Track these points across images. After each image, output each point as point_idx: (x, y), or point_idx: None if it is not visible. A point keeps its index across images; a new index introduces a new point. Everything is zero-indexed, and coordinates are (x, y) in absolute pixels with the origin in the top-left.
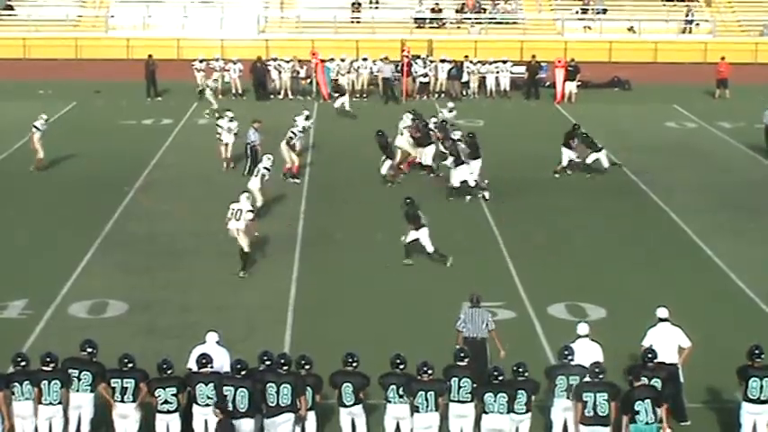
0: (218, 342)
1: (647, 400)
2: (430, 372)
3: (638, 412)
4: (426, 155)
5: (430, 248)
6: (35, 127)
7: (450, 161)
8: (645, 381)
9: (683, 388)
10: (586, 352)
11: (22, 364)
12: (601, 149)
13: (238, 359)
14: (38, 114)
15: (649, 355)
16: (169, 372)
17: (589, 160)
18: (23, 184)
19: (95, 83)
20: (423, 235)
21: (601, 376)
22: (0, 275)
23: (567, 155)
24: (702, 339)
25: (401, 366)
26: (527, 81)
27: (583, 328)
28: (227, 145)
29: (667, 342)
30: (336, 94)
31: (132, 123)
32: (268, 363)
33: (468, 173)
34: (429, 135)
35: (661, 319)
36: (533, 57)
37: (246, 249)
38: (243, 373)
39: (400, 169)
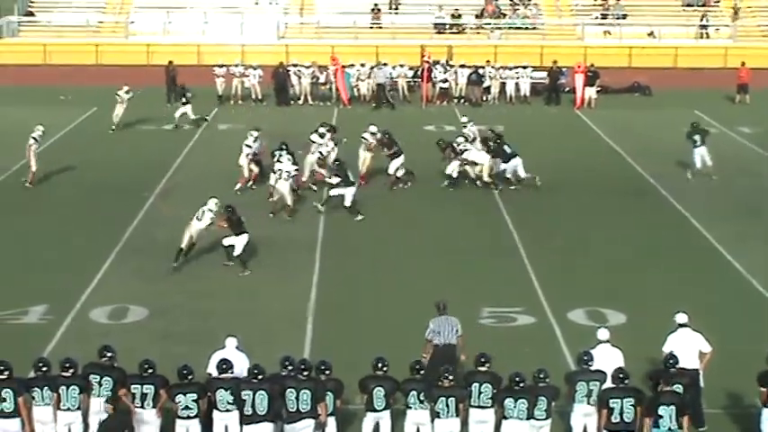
0: (237, 347)
1: (672, 406)
2: (451, 377)
3: (661, 416)
4: (393, 165)
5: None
6: (33, 138)
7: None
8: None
9: (702, 393)
10: (607, 357)
11: (44, 369)
12: (511, 158)
13: (256, 364)
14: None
15: (671, 361)
16: (189, 377)
17: (504, 170)
18: (44, 190)
19: (116, 88)
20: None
21: (626, 382)
22: (21, 281)
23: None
24: (722, 344)
25: (421, 372)
26: (548, 86)
27: (603, 334)
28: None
29: (688, 347)
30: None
31: (152, 129)
32: (289, 368)
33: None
34: (396, 145)
35: (681, 325)
36: (554, 62)
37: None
38: (260, 377)
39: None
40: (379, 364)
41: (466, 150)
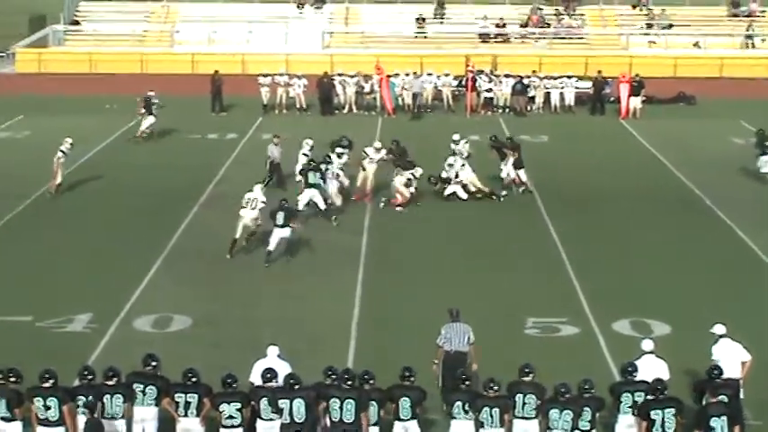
0: (278, 356)
1: (724, 417)
2: (496, 388)
3: (713, 428)
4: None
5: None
6: (61, 151)
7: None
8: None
9: (743, 404)
10: (651, 368)
11: (88, 377)
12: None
13: (290, 373)
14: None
15: (716, 372)
16: (233, 386)
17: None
18: (89, 198)
19: (161, 97)
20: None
21: (665, 392)
22: (66, 289)
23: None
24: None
25: (467, 383)
26: (592, 96)
27: (647, 345)
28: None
29: (730, 357)
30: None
31: (197, 138)
32: (332, 377)
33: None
34: (407, 156)
35: (721, 336)
36: (599, 72)
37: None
38: (296, 386)
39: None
40: (406, 374)
41: (460, 171)
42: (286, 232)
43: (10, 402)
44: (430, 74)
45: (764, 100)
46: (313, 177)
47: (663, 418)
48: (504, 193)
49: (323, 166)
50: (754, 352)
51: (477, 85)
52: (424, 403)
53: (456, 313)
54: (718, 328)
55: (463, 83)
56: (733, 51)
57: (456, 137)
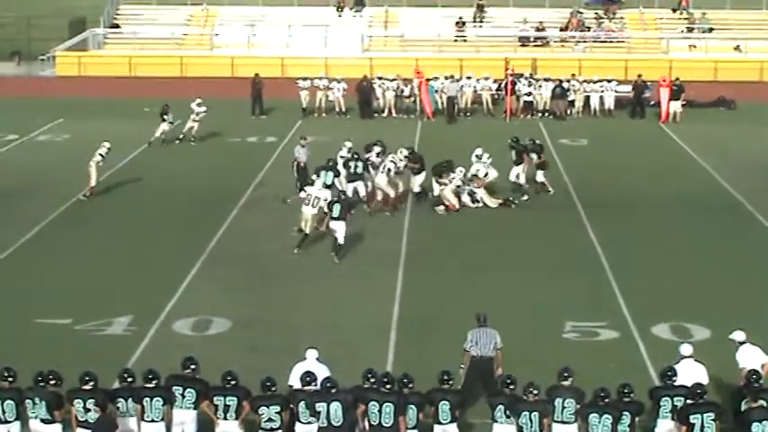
0: (317, 359)
1: (765, 422)
2: (536, 392)
3: None
4: (417, 181)
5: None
6: (100, 155)
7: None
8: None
9: None
10: (691, 373)
11: (128, 380)
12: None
13: (327, 377)
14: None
15: (754, 377)
16: (273, 389)
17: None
18: (129, 201)
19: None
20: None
21: (705, 396)
22: (106, 292)
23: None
24: None
25: (511, 387)
26: (632, 100)
27: (686, 349)
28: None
29: (755, 362)
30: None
31: (237, 141)
32: (371, 381)
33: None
34: (422, 161)
35: (741, 342)
36: (639, 76)
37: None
38: (333, 390)
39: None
40: (445, 377)
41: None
42: (342, 225)
43: (50, 405)
44: (469, 77)
45: None
46: (325, 176)
47: (702, 423)
48: (524, 197)
49: (352, 164)
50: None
51: (516, 88)
52: (463, 407)
53: (483, 318)
54: (738, 335)
55: (502, 86)
56: None
57: (479, 151)
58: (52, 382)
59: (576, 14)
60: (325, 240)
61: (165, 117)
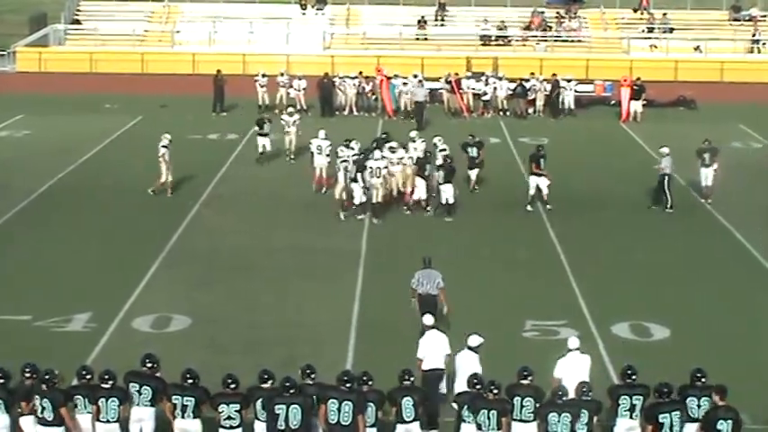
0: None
1: (729, 421)
2: (496, 390)
3: (720, 431)
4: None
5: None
6: (163, 147)
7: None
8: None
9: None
10: (577, 365)
11: (87, 377)
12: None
13: (287, 376)
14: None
15: (698, 375)
16: (233, 387)
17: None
18: (88, 197)
19: (161, 97)
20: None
21: (672, 395)
22: (65, 288)
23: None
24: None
25: (478, 387)
26: (550, 98)
27: (573, 342)
28: (321, 169)
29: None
30: None
31: (198, 138)
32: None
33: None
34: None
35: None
36: (554, 75)
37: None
38: (292, 391)
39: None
40: (406, 375)
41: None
42: (450, 187)
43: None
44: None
45: (764, 104)
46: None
47: (671, 422)
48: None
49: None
50: (751, 354)
51: (465, 86)
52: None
53: (428, 261)
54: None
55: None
56: (734, 56)
57: (413, 134)
58: (1, 381)
59: (538, 14)
60: (285, 238)
61: (262, 130)
